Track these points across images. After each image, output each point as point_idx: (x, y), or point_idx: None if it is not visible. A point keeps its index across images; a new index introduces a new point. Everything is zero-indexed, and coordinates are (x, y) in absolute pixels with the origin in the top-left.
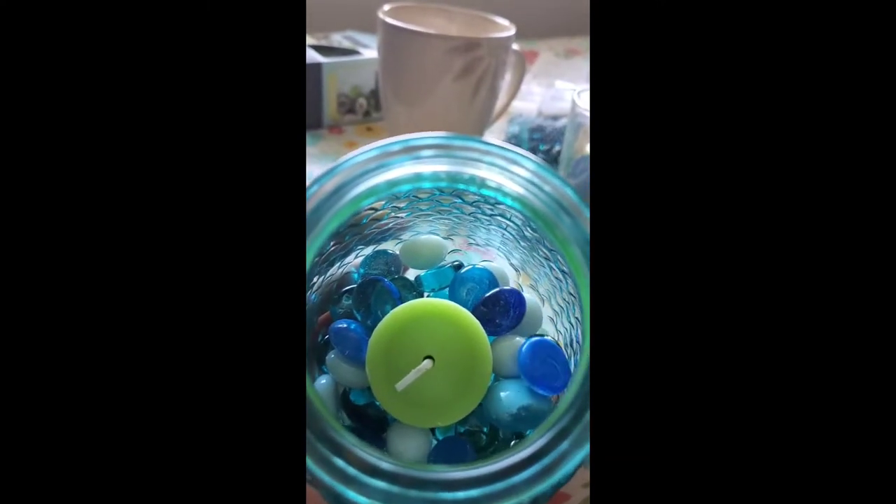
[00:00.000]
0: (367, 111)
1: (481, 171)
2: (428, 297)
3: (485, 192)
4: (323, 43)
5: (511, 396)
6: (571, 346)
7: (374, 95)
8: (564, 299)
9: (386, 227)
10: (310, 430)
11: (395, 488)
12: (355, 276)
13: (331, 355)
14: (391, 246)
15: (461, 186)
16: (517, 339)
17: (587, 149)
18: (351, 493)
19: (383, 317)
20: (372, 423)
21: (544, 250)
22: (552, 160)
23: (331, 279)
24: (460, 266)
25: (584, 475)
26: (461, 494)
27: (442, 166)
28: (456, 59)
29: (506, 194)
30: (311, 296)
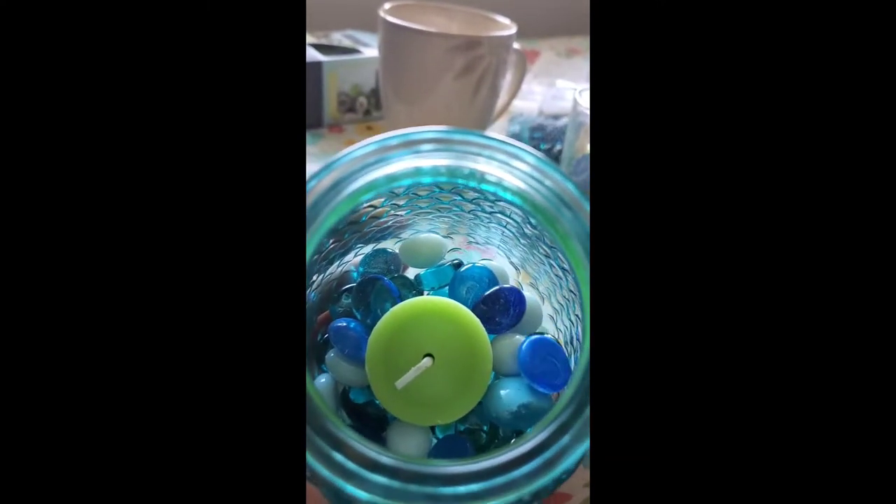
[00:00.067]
0: (367, 110)
1: (481, 166)
2: (427, 295)
3: (485, 186)
4: (323, 41)
5: (511, 394)
6: (571, 343)
7: (374, 94)
8: (564, 297)
9: (385, 226)
10: (309, 425)
11: (395, 483)
12: (355, 274)
13: (330, 354)
14: (391, 244)
15: (461, 181)
16: (517, 337)
17: (588, 148)
18: (351, 488)
19: (383, 315)
20: (372, 422)
21: (544, 248)
22: (553, 159)
23: (330, 278)
24: (460, 264)
25: (585, 475)
26: (462, 489)
27: (441, 160)
28: (457, 58)
29: (506, 189)
30: (311, 294)
